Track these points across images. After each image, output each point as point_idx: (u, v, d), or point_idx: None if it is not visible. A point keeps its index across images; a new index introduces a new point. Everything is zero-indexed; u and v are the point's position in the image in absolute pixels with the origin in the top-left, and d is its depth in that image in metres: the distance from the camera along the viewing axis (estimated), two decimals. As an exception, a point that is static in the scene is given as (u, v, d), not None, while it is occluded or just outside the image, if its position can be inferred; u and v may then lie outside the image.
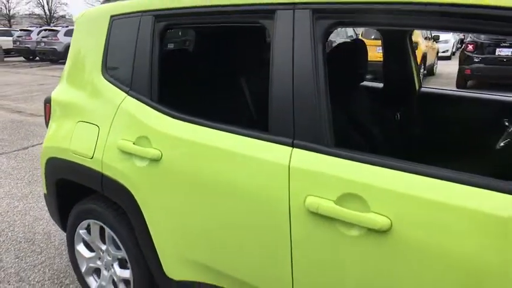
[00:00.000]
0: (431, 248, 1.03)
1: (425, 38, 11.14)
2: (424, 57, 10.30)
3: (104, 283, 2.06)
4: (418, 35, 10.04)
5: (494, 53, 8.93)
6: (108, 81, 1.81)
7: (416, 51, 9.66)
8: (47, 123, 2.16)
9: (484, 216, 0.96)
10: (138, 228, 1.71)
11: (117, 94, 1.76)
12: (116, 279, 1.99)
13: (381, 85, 2.59)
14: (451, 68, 11.77)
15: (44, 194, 2.23)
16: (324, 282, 1.23)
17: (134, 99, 1.71)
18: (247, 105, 1.80)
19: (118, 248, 1.92)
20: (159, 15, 1.64)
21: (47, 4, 44.82)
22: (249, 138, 1.36)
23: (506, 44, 8.81)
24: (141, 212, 1.67)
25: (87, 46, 1.94)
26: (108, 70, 1.83)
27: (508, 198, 0.94)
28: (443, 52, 16.10)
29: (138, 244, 1.76)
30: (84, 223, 2.03)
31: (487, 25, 1.00)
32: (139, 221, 1.69)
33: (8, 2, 43.61)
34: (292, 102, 1.27)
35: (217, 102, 1.68)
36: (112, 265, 1.99)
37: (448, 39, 16.76)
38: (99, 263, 2.07)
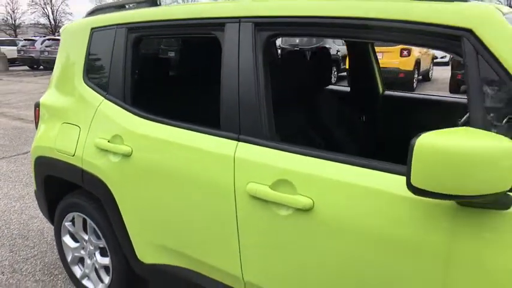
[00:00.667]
0: (346, 222, 1.22)
1: (419, 45, 11.34)
2: (418, 63, 10.49)
3: (87, 271, 2.25)
4: (410, 42, 10.25)
5: (484, 58, 9.10)
6: (89, 86, 2.03)
7: (409, 57, 9.90)
8: (36, 126, 2.37)
9: (389, 195, 1.15)
10: (114, 217, 1.91)
11: (95, 98, 1.97)
12: (97, 266, 2.19)
13: (348, 89, 2.79)
14: (448, 74, 11.95)
15: (34, 190, 2.44)
16: (264, 255, 1.42)
17: (110, 102, 1.92)
18: (206, 106, 2.00)
19: (99, 237, 2.12)
20: (131, 27, 1.86)
21: (52, 14, 45.64)
22: (204, 134, 1.57)
23: None
24: (116, 202, 1.87)
25: (71, 55, 2.16)
26: (89, 76, 2.04)
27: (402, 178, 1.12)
28: (442, 58, 16.29)
29: (114, 233, 1.96)
30: (69, 216, 2.23)
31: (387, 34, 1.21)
32: (114, 211, 1.89)
33: (13, 12, 44.44)
34: (238, 103, 1.47)
35: (181, 104, 1.88)
36: (94, 254, 2.18)
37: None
38: (83, 252, 2.27)
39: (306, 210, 1.28)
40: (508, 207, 0.99)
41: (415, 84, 10.58)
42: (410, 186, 0.95)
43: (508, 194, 0.98)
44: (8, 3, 45.58)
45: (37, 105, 2.35)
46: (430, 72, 12.70)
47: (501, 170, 0.89)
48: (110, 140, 1.84)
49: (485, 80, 1.06)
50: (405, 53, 10.02)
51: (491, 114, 1.04)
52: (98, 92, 1.98)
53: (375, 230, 1.17)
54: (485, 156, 0.88)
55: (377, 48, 10.25)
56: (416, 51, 10.45)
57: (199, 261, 1.66)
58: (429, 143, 0.91)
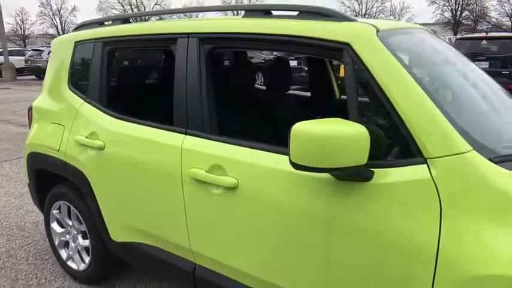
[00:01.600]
0: (262, 196, 1.52)
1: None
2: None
3: (71, 253, 2.57)
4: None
5: (472, 66, 9.38)
6: (72, 91, 2.37)
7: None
8: (29, 126, 2.71)
9: (288, 173, 1.45)
10: (91, 203, 2.23)
11: (77, 101, 2.31)
12: (79, 248, 2.51)
13: (309, 94, 3.10)
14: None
15: (28, 183, 2.78)
16: (204, 228, 1.73)
17: (89, 104, 2.25)
18: (164, 107, 2.32)
19: (80, 222, 2.44)
20: (106, 41, 2.20)
21: (60, 25, 46.68)
22: (160, 130, 1.89)
23: (483, 58, 9.26)
24: (92, 190, 2.19)
25: (58, 64, 2.50)
26: (72, 83, 2.39)
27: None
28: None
29: (92, 217, 2.28)
30: (56, 204, 2.56)
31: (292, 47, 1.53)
32: (91, 197, 2.21)
33: (23, 23, 45.51)
34: (186, 104, 1.80)
35: (145, 105, 2.19)
36: (77, 237, 2.51)
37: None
38: (68, 236, 2.59)
39: (233, 189, 1.59)
40: (370, 180, 1.29)
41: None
42: (291, 163, 1.25)
43: (370, 170, 1.29)
44: (18, 14, 46.77)
45: (30, 109, 2.69)
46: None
47: (355, 148, 1.19)
48: (87, 136, 2.18)
49: (359, 83, 1.37)
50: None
51: (361, 110, 1.35)
52: (79, 96, 2.32)
53: (279, 202, 1.48)
54: (343, 137, 1.18)
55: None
56: (408, 59, 10.75)
57: (158, 237, 1.98)
58: (301, 129, 1.21)
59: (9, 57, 18.79)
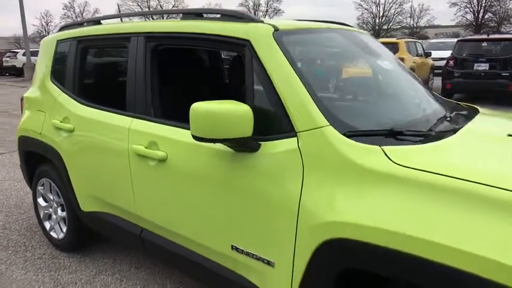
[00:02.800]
0: (184, 167, 1.85)
1: (417, 55, 11.72)
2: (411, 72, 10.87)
3: (53, 224, 2.96)
4: (404, 51, 10.67)
5: (472, 67, 9.45)
6: (53, 83, 2.75)
7: (401, 66, 10.32)
8: (22, 114, 3.11)
9: (199, 146, 1.77)
10: (65, 178, 2.60)
11: (56, 91, 2.69)
12: (59, 219, 2.89)
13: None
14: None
15: (20, 164, 3.18)
16: (144, 195, 2.07)
17: (65, 94, 2.62)
18: (122, 95, 2.65)
19: (59, 196, 2.82)
20: (79, 40, 2.58)
21: (83, 27, 48.11)
22: (116, 114, 2.24)
23: (483, 59, 9.33)
24: (65, 167, 2.56)
25: (44, 60, 2.89)
26: (53, 76, 2.77)
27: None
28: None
29: (67, 191, 2.65)
30: (41, 181, 2.95)
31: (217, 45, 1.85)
32: (65, 173, 2.58)
33: (47, 25, 47.19)
34: (134, 92, 2.14)
35: (108, 94, 2.52)
36: (57, 210, 2.89)
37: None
38: (50, 210, 2.98)
39: (163, 161, 1.92)
40: (257, 150, 1.60)
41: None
42: (192, 135, 1.57)
43: (257, 142, 1.59)
44: (43, 17, 48.55)
45: (22, 99, 3.10)
46: (430, 81, 12.99)
47: (241, 122, 1.49)
48: (61, 121, 2.55)
49: (254, 72, 1.68)
50: (397, 62, 10.45)
51: (255, 94, 1.66)
52: (58, 87, 2.70)
53: (193, 171, 1.79)
54: (230, 113, 1.48)
55: (370, 58, 10.77)
56: (411, 61, 10.85)
57: (114, 206, 2.33)
58: (198, 107, 1.51)
59: (32, 57, 19.68)
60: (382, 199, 1.31)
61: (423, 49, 12.46)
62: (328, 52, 2.00)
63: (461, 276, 1.11)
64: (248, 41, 1.71)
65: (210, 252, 1.85)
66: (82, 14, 48.07)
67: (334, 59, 2.02)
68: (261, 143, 1.61)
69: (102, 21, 2.61)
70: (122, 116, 2.20)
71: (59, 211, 2.87)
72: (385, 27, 47.83)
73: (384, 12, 47.45)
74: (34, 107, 2.88)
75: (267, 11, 55.22)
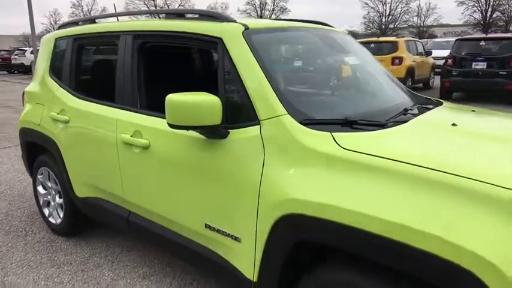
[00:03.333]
0: (164, 154, 2.03)
1: (417, 54, 11.81)
2: (411, 71, 10.96)
3: (51, 210, 3.16)
4: (403, 50, 10.78)
5: (470, 66, 9.53)
6: (52, 78, 2.95)
7: (400, 65, 10.39)
8: (23, 107, 3.32)
9: (176, 134, 1.95)
10: (61, 167, 2.80)
11: (54, 86, 2.89)
12: (56, 205, 3.10)
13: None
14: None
15: (21, 154, 3.39)
16: (130, 179, 2.26)
17: (62, 88, 2.83)
18: (113, 89, 2.83)
19: (56, 184, 3.02)
20: (75, 38, 2.77)
21: (91, 25, 48.62)
22: (106, 107, 2.43)
23: (481, 58, 9.41)
24: (62, 156, 2.76)
25: (44, 57, 3.10)
26: (52, 72, 2.97)
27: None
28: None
29: (63, 178, 2.85)
30: (40, 170, 3.16)
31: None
32: (61, 162, 2.78)
33: (55, 23, 47.72)
34: (123, 86, 2.33)
35: (101, 88, 2.71)
36: (55, 197, 3.09)
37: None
38: (49, 197, 3.18)
39: (146, 148, 2.10)
40: (225, 137, 1.78)
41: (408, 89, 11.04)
42: (168, 124, 1.75)
43: (226, 130, 1.77)
44: (51, 15, 49.16)
45: (23, 93, 3.30)
46: (431, 80, 13.08)
47: (210, 112, 1.67)
48: (58, 113, 2.75)
49: (226, 68, 1.85)
50: (396, 61, 10.57)
51: (226, 87, 1.83)
52: (56, 82, 2.90)
53: (172, 157, 1.98)
54: (201, 103, 1.65)
55: (370, 57, 10.87)
56: (410, 59, 10.96)
57: (105, 191, 2.52)
58: (173, 98, 1.68)
59: (39, 55, 20.02)
60: (328, 178, 1.48)
61: (424, 48, 12.54)
62: (294, 48, 2.17)
63: (386, 241, 1.28)
64: (220, 38, 1.88)
65: (187, 231, 2.04)
66: (90, 13, 48.57)
67: (300, 55, 2.19)
68: (230, 130, 1.78)
69: (96, 20, 2.80)
70: (112, 108, 2.39)
71: (57, 198, 3.08)
72: (391, 26, 47.70)
73: (390, 11, 47.31)
74: (34, 100, 3.09)
75: (273, 9, 55.31)
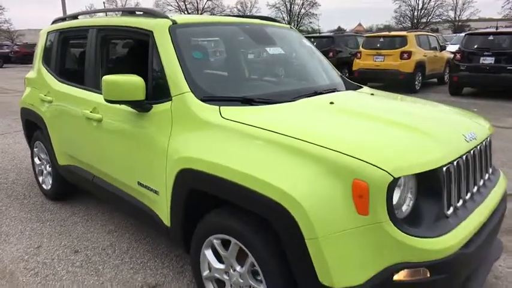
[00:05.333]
0: (111, 126, 2.51)
1: (431, 48, 11.75)
2: (421, 65, 10.94)
3: (44, 178, 3.74)
4: (412, 45, 10.80)
5: (478, 61, 9.48)
6: (43, 66, 3.50)
7: (409, 60, 10.44)
8: (24, 90, 3.91)
9: (117, 109, 2.42)
10: (47, 139, 3.35)
11: (45, 72, 3.44)
12: (47, 173, 3.67)
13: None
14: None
15: (24, 132, 4.00)
16: (92, 147, 2.76)
17: (50, 74, 3.37)
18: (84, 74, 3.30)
19: (46, 154, 3.58)
20: (60, 32, 3.30)
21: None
22: (80, 89, 2.93)
23: (489, 53, 9.34)
24: (48, 130, 3.31)
25: (39, 48, 3.66)
26: (44, 60, 3.52)
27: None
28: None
29: (49, 149, 3.40)
30: (36, 144, 3.74)
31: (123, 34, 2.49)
32: (47, 135, 3.34)
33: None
34: (89, 71, 2.82)
35: (77, 74, 3.21)
36: (46, 166, 3.66)
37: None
38: (42, 167, 3.76)
39: (100, 121, 2.59)
40: (149, 111, 2.22)
41: (417, 86, 11.06)
42: (104, 99, 2.21)
43: (150, 105, 2.22)
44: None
45: (24, 79, 3.89)
46: (446, 75, 12.94)
47: (135, 89, 2.12)
48: (45, 95, 3.30)
49: (155, 59, 2.29)
50: (405, 55, 10.61)
51: (153, 70, 2.28)
52: (46, 69, 3.45)
53: (115, 127, 2.45)
54: (127, 82, 2.11)
55: (378, 52, 10.99)
56: (420, 54, 10.95)
57: (78, 159, 3.04)
58: (107, 78, 2.14)
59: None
60: (210, 141, 1.90)
61: (438, 43, 12.44)
62: (213, 40, 2.59)
63: (251, 192, 1.64)
64: (152, 31, 2.33)
65: (127, 188, 2.51)
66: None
67: (217, 45, 2.60)
68: (153, 105, 2.23)
69: (79, 17, 3.32)
70: (81, 90, 2.89)
71: (47, 167, 3.64)
72: (423, 20, 46.43)
73: (423, 5, 46.03)
74: (31, 84, 3.66)
75: (302, 4, 55.03)
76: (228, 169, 1.74)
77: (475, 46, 9.69)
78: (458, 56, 9.89)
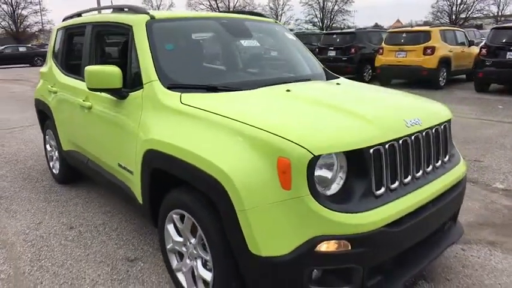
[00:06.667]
0: (99, 112, 2.75)
1: (458, 44, 11.40)
2: (446, 61, 10.63)
3: (53, 163, 4.08)
4: (436, 40, 10.52)
5: (505, 56, 9.13)
6: (53, 61, 3.83)
7: (432, 55, 10.18)
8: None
9: (104, 97, 2.65)
10: (53, 127, 3.67)
11: (54, 66, 3.76)
12: (56, 159, 4.00)
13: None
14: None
15: (38, 121, 4.36)
16: (85, 132, 3.02)
17: (57, 68, 3.68)
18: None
19: (54, 140, 3.91)
20: (66, 28, 3.61)
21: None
22: (77, 80, 3.21)
23: (515, 48, 8.97)
24: (54, 119, 3.63)
25: (50, 44, 3.99)
26: (53, 55, 3.85)
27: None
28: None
29: (56, 136, 3.72)
30: (47, 132, 4.09)
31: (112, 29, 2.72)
32: (54, 123, 3.65)
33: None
34: (85, 63, 3.08)
35: (78, 67, 3.49)
36: (55, 151, 4.00)
37: None
38: (52, 153, 4.10)
39: (90, 108, 2.84)
40: (125, 98, 2.44)
41: (442, 83, 10.76)
42: (87, 87, 2.44)
43: (127, 92, 2.43)
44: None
45: (39, 73, 4.25)
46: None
47: (112, 78, 2.34)
48: (52, 86, 3.61)
49: (134, 51, 2.49)
50: (428, 51, 10.36)
51: (132, 61, 2.49)
52: (54, 63, 3.77)
53: (102, 114, 2.68)
54: (105, 72, 2.33)
55: (400, 47, 10.80)
56: (445, 49, 10.64)
57: (76, 144, 3.33)
58: (89, 68, 2.37)
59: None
60: (171, 124, 2.08)
61: (467, 38, 12.02)
62: (189, 33, 2.76)
63: (197, 169, 1.81)
64: (131, 26, 2.54)
65: (112, 169, 2.74)
66: (159, 8, 51.76)
67: (192, 38, 2.77)
68: (130, 93, 2.44)
69: (83, 15, 3.61)
70: (78, 81, 3.17)
71: (56, 153, 3.98)
72: (463, 15, 44.58)
73: (462, 0, 44.16)
74: (43, 78, 4.00)
75: (336, 0, 54.22)
76: (181, 149, 1.91)
77: (502, 41, 9.33)
78: (484, 51, 9.56)
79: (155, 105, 2.22)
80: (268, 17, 3.28)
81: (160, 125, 2.13)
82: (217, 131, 1.83)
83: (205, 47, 2.79)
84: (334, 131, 1.71)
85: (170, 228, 2.18)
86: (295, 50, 3.11)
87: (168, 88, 2.24)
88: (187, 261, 2.10)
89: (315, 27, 50.45)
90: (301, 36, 16.35)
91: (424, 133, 1.98)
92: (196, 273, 2.05)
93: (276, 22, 3.30)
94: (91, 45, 3.05)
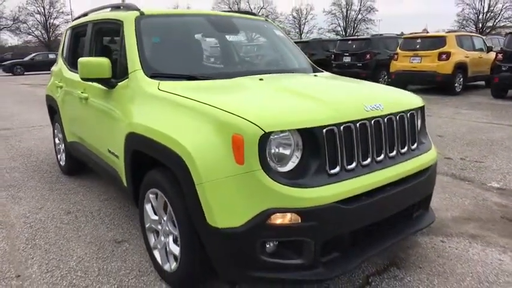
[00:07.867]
0: (95, 103, 2.94)
1: (476, 50, 11.22)
2: (462, 67, 10.47)
3: (60, 155, 4.32)
4: (452, 45, 10.39)
5: (521, 61, 8.94)
6: (62, 59, 4.09)
7: (447, 61, 10.06)
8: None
9: (97, 87, 2.84)
10: (59, 119, 3.91)
11: (63, 65, 4.01)
12: (62, 151, 4.23)
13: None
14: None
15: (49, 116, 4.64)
16: (84, 122, 3.22)
17: (65, 65, 3.93)
18: None
19: (61, 133, 4.15)
20: (73, 28, 3.86)
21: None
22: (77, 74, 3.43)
23: (533, 53, 8.77)
24: (60, 112, 3.87)
25: (61, 44, 4.26)
26: (62, 54, 4.11)
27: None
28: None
29: (62, 129, 3.96)
30: (56, 125, 4.34)
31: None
32: (59, 117, 3.89)
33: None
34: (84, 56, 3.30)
35: None
36: (62, 144, 4.24)
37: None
38: (60, 145, 4.34)
39: (86, 99, 3.04)
40: (114, 87, 2.62)
41: (458, 89, 10.60)
42: (80, 78, 2.63)
43: (115, 82, 2.61)
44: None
45: (51, 71, 4.53)
46: (495, 78, 12.19)
47: (102, 68, 2.53)
48: (59, 82, 3.86)
49: (123, 42, 2.68)
50: (443, 56, 10.24)
51: (121, 54, 2.67)
52: (63, 61, 4.02)
53: (94, 103, 2.87)
54: (96, 63, 2.53)
55: (415, 53, 10.72)
56: (461, 55, 10.50)
57: (77, 135, 3.54)
58: (81, 60, 2.57)
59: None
60: (149, 109, 2.23)
61: (485, 44, 11.81)
62: (175, 28, 2.92)
63: (165, 148, 1.95)
64: (122, 22, 2.73)
65: (104, 156, 2.92)
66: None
67: (178, 32, 2.92)
68: (118, 83, 2.62)
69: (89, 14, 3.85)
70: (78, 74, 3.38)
71: (62, 145, 4.22)
72: (489, 24, 43.52)
73: (489, 8, 43.17)
74: (53, 75, 4.27)
75: (359, 9, 54.00)
76: (154, 130, 2.06)
77: (520, 45, 9.14)
78: (500, 56, 9.39)
79: (138, 92, 2.38)
80: (259, 16, 3.42)
81: (140, 109, 2.29)
82: (185, 113, 1.97)
83: (191, 41, 2.95)
84: (286, 111, 1.81)
85: (148, 207, 2.32)
86: (282, 45, 3.23)
87: (151, 77, 2.40)
88: (162, 238, 2.23)
89: (338, 36, 50.31)
90: (318, 42, 16.44)
91: (386, 118, 2.05)
92: (167, 249, 2.17)
93: (267, 20, 3.43)
94: (91, 42, 3.27)
